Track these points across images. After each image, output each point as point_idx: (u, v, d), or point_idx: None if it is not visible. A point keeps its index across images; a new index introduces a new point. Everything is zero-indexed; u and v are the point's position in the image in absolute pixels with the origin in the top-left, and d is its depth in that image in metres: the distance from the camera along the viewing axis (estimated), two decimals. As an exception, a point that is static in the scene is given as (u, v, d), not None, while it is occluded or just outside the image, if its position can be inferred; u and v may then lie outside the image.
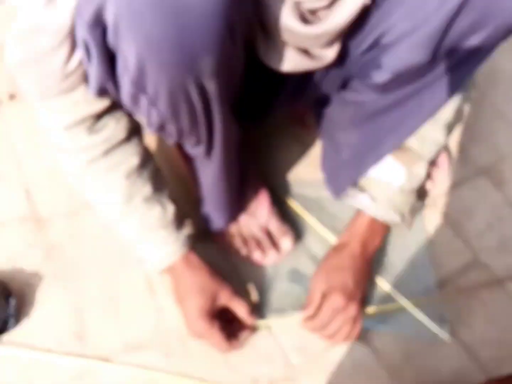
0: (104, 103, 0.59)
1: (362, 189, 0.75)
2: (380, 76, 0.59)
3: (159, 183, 0.70)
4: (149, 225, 0.68)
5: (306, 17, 0.53)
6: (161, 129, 0.59)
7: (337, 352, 0.73)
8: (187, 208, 0.77)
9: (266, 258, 0.80)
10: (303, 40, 0.55)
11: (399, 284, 0.79)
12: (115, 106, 0.61)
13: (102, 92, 0.55)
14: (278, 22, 0.52)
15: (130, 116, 0.64)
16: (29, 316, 0.74)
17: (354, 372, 0.72)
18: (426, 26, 0.52)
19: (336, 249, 0.77)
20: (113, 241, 0.80)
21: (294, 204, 0.86)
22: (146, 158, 0.68)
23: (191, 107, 0.54)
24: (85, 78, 0.55)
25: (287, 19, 0.52)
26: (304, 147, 0.94)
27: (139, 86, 0.51)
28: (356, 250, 0.75)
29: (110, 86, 0.54)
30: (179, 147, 0.87)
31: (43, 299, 0.76)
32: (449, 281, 0.82)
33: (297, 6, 0.52)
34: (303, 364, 0.72)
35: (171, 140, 0.63)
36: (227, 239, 0.80)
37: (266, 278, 0.80)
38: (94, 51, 0.49)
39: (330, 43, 0.56)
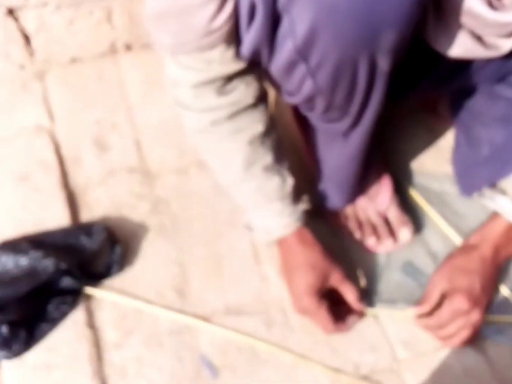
0: (239, 65, 0.64)
1: (502, 192, 0.78)
2: None
3: (280, 154, 0.76)
4: (266, 195, 0.74)
5: (491, 2, 0.54)
6: (308, 100, 0.62)
7: (447, 353, 0.77)
8: (301, 182, 0.82)
9: (380, 246, 0.85)
10: (483, 27, 0.57)
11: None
12: (248, 70, 0.66)
13: (254, 55, 0.59)
14: (461, 4, 0.54)
15: (259, 82, 0.70)
16: (133, 266, 0.84)
17: (464, 378, 0.75)
18: None
19: (464, 250, 0.81)
20: (222, 204, 0.89)
21: (416, 196, 0.91)
22: (270, 127, 0.74)
23: (354, 82, 0.56)
24: (226, 38, 0.60)
25: (473, 2, 0.54)
26: (433, 137, 0.98)
27: (303, 54, 0.53)
28: (487, 254, 0.78)
29: (265, 50, 0.57)
30: (299, 120, 0.96)
31: (148, 250, 0.85)
32: None
33: None
34: (410, 359, 0.77)
35: (312, 113, 0.68)
36: (341, 220, 0.86)
37: (378, 266, 0.85)
38: (260, 13, 0.52)
39: (510, 34, 0.58)
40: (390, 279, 0.84)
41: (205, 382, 0.75)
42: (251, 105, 0.70)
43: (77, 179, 0.93)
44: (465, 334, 0.75)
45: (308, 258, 0.76)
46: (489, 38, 0.60)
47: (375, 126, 0.68)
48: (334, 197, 0.85)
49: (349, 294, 0.78)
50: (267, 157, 0.74)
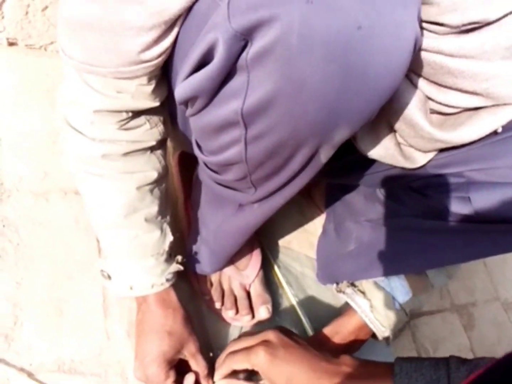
0: (153, 103, 0.57)
1: (361, 291, 0.79)
2: (459, 208, 0.57)
3: (165, 207, 0.68)
4: (141, 247, 0.65)
5: (427, 116, 0.52)
6: (225, 165, 0.53)
7: None
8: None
9: (237, 320, 0.80)
10: (414, 137, 0.54)
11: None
12: (159, 110, 0.59)
13: (185, 101, 0.48)
14: (399, 111, 0.51)
15: (166, 125, 0.63)
16: (-47, 292, 0.69)
17: None
18: None
19: (316, 342, 0.79)
20: (79, 241, 0.78)
21: (278, 275, 0.89)
22: (163, 175, 0.66)
23: (285, 164, 0.49)
24: (151, 72, 0.52)
25: (414, 111, 0.50)
26: (303, 219, 0.98)
27: (247, 118, 0.44)
28: (337, 348, 0.78)
29: (202, 99, 0.46)
30: (184, 171, 0.89)
31: (-23, 277, 0.72)
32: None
33: (425, 102, 0.51)
34: None
35: (219, 177, 0.57)
36: (204, 286, 0.80)
37: (230, 339, 0.80)
38: (218, 61, 0.41)
39: (431, 150, 0.56)
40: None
41: None
42: (151, 147, 0.62)
43: None
44: None
45: (167, 324, 0.69)
46: (408, 150, 0.57)
47: (279, 209, 0.60)
48: (204, 263, 0.78)
49: (199, 369, 0.71)
50: (153, 208, 0.65)
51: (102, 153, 0.59)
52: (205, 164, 0.57)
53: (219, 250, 0.75)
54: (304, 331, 0.86)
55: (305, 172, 0.51)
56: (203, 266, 0.79)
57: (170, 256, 0.70)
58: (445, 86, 0.48)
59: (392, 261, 0.74)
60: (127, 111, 0.57)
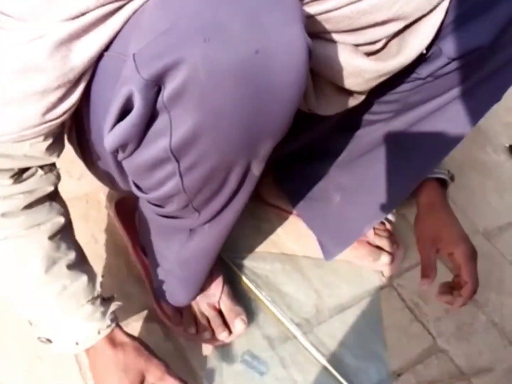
0: (49, 160, 0.57)
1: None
2: (439, 61, 0.64)
3: (82, 249, 0.67)
4: (73, 297, 0.63)
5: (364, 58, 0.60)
6: (166, 198, 0.56)
7: None
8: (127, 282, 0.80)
9: (216, 340, 0.81)
10: (362, 84, 0.61)
11: (350, 373, 0.83)
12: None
13: (115, 149, 0.50)
14: (342, 69, 0.58)
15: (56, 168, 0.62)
16: None
17: None
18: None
19: (426, 207, 0.89)
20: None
21: (246, 282, 0.90)
22: (70, 219, 0.66)
23: (222, 185, 0.53)
24: (53, 130, 0.53)
25: (355, 61, 0.58)
26: (257, 222, 0.99)
27: (176, 153, 0.48)
28: (443, 200, 0.89)
29: (132, 145, 0.49)
30: (122, 215, 0.90)
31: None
32: (407, 370, 0.88)
33: (357, 50, 0.58)
34: None
35: (164, 210, 0.60)
36: (175, 318, 0.81)
37: (216, 360, 0.80)
38: (138, 109, 0.44)
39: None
40: (229, 372, 0.80)
41: None
42: (51, 194, 0.62)
43: None
44: None
45: (119, 361, 0.67)
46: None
47: (231, 226, 0.63)
48: (177, 293, 0.79)
49: None
50: (71, 254, 0.64)
51: (1, 212, 0.57)
52: (148, 201, 0.60)
53: (188, 275, 0.76)
54: (288, 330, 0.86)
55: (244, 187, 0.55)
56: (177, 297, 0.80)
57: (106, 295, 0.68)
58: (365, 27, 0.55)
59: (390, 185, 0.81)
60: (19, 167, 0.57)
